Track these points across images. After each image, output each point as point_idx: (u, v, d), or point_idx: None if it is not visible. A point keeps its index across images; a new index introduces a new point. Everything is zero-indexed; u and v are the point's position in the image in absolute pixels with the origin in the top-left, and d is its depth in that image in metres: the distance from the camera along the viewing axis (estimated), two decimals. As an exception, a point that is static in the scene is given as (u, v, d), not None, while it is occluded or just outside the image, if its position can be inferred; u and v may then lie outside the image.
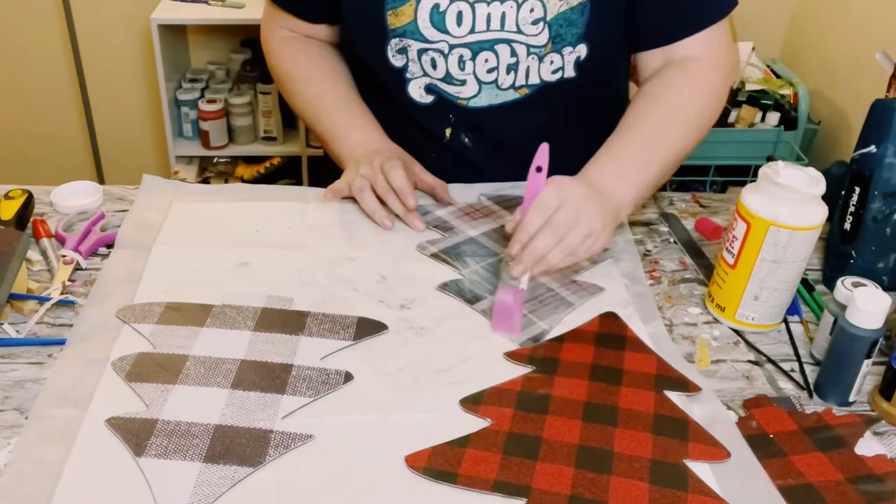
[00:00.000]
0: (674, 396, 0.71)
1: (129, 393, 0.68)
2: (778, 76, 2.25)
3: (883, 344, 0.72)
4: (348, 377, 0.71)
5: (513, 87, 0.94)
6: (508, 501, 0.61)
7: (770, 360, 0.77)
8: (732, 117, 2.10)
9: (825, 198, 0.75)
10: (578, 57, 0.93)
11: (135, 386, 0.69)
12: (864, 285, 0.74)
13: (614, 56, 0.99)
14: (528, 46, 0.91)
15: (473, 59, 0.92)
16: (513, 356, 0.75)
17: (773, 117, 2.09)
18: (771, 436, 0.67)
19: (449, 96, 0.96)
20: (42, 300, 0.78)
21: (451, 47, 0.91)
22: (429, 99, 0.96)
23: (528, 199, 0.78)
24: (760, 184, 0.76)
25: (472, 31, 0.90)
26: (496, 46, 0.91)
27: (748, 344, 0.79)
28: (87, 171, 2.51)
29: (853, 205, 0.85)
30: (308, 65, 1.03)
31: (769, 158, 0.91)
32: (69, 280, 0.82)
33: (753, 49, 2.26)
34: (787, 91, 2.14)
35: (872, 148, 0.82)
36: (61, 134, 2.49)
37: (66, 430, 0.64)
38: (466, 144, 1.00)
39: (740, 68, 2.08)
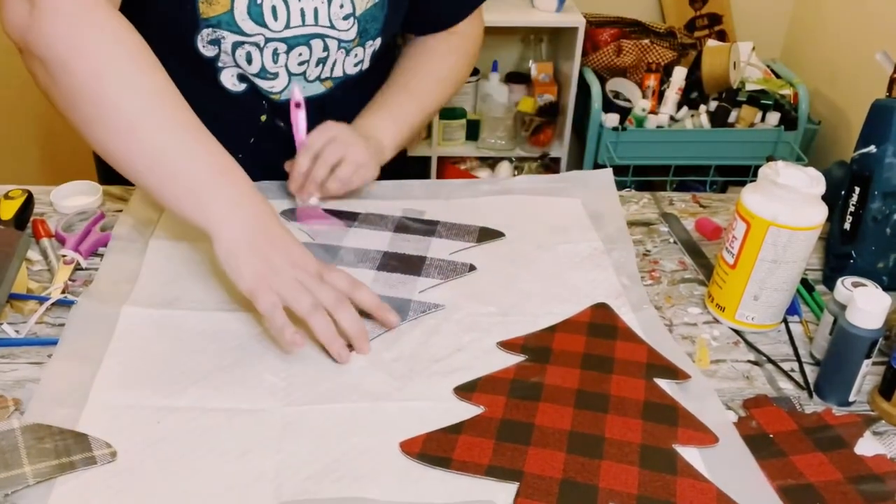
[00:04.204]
0: (663, 384, 0.72)
1: (125, 391, 0.68)
2: (778, 76, 2.25)
3: (883, 344, 0.72)
4: (472, 268, 0.86)
5: (318, 78, 0.96)
6: (501, 485, 0.61)
7: (770, 360, 0.77)
8: (732, 117, 2.10)
9: (825, 198, 0.75)
10: (375, 49, 0.98)
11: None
12: (864, 285, 0.74)
13: (393, 44, 1.07)
14: (340, 41, 0.92)
15: (288, 52, 0.90)
16: (506, 346, 0.75)
17: (773, 117, 2.09)
18: (771, 436, 0.67)
19: (261, 89, 0.93)
20: (42, 300, 0.78)
21: (267, 41, 0.88)
22: (242, 87, 0.93)
23: (295, 134, 0.93)
24: (760, 184, 0.76)
25: (287, 25, 0.88)
26: (311, 41, 0.91)
27: (748, 344, 0.79)
28: (87, 171, 2.50)
29: (853, 205, 0.85)
30: (111, 56, 0.72)
31: (769, 158, 0.91)
32: (70, 280, 0.82)
33: (753, 49, 2.26)
34: (787, 91, 2.14)
35: (872, 148, 0.82)
36: (61, 134, 2.48)
37: (66, 430, 0.64)
38: (283, 129, 0.97)
39: (741, 67, 2.08)
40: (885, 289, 0.77)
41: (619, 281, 0.85)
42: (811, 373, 0.76)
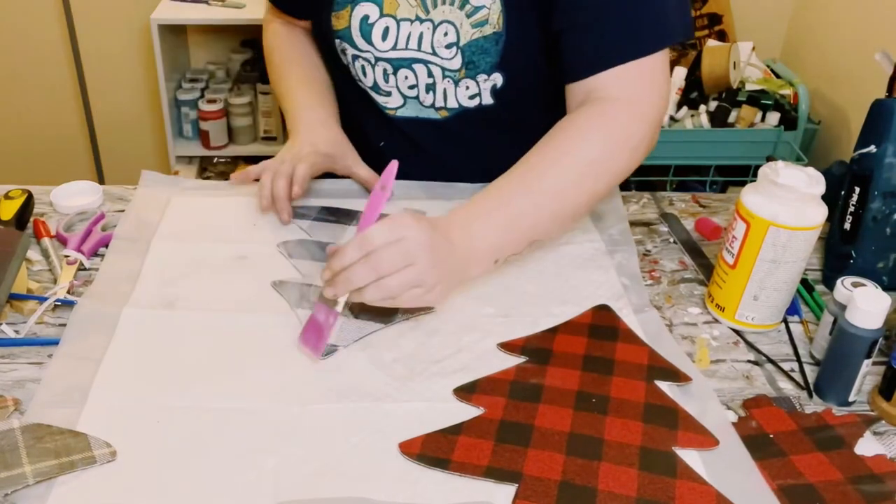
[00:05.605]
0: (664, 386, 0.72)
1: (125, 391, 0.69)
2: (778, 76, 2.25)
3: (883, 344, 0.72)
4: None
5: (433, 106, 0.96)
6: (500, 487, 0.61)
7: (770, 360, 0.77)
8: (732, 117, 2.10)
9: (825, 198, 0.75)
10: (494, 85, 0.92)
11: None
12: (863, 285, 0.74)
13: (535, 86, 0.92)
14: (444, 69, 0.92)
15: (395, 73, 0.94)
16: (506, 347, 0.75)
17: (773, 117, 2.09)
18: (771, 436, 0.67)
19: (378, 104, 0.99)
20: (42, 300, 0.78)
21: (377, 59, 0.94)
22: None
23: (366, 220, 0.74)
24: (760, 184, 0.76)
25: (394, 47, 0.92)
26: (414, 65, 0.93)
27: (748, 344, 0.79)
28: (87, 171, 2.51)
29: (853, 205, 0.85)
30: (287, 47, 1.06)
31: (769, 158, 0.91)
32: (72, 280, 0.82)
33: (753, 49, 2.26)
34: (787, 91, 2.14)
35: (872, 148, 0.82)
36: (61, 134, 2.49)
37: (66, 430, 0.64)
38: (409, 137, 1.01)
39: (741, 67, 2.08)
40: (885, 289, 0.77)
41: (620, 282, 0.85)
42: (811, 373, 0.76)
